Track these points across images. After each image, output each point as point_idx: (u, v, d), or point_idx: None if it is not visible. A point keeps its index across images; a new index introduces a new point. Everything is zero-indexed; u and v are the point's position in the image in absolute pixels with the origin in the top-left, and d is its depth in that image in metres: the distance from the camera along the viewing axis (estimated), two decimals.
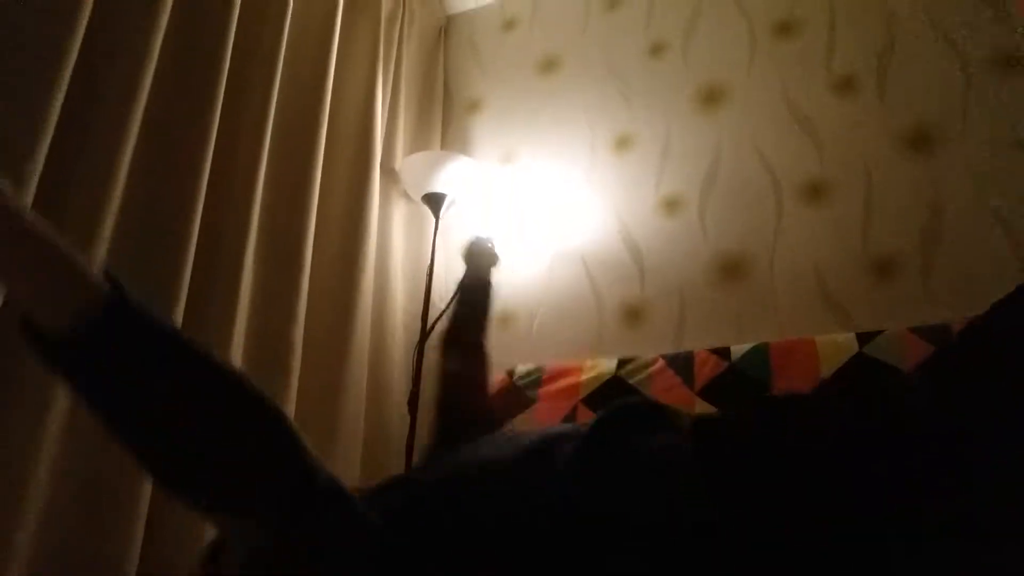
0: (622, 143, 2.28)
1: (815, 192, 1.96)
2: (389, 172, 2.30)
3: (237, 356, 1.60)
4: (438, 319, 2.16)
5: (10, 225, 0.60)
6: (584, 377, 1.80)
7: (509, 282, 2.25)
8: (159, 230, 1.48)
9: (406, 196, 2.36)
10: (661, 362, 1.75)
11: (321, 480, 0.70)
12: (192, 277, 1.51)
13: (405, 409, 2.05)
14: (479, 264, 1.54)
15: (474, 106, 2.58)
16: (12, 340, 1.19)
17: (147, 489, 1.33)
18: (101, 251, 1.36)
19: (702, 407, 1.63)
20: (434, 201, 2.23)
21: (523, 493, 0.78)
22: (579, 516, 0.75)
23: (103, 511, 1.28)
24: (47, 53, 1.28)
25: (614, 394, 1.72)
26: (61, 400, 1.26)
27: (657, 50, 2.34)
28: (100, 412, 0.64)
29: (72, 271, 0.63)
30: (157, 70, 1.52)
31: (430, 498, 0.80)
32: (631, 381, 1.73)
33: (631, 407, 0.88)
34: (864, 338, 1.59)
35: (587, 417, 1.55)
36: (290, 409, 1.68)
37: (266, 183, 1.77)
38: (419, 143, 2.50)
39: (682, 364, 1.72)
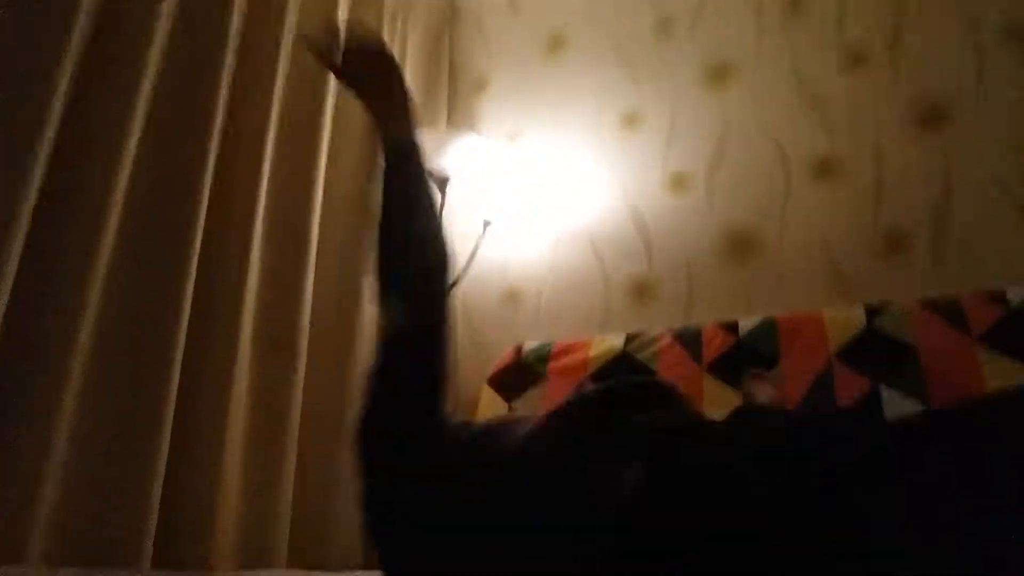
0: (629, 121, 2.27)
1: (824, 168, 1.95)
2: None
3: (245, 341, 1.61)
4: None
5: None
6: (592, 353, 1.80)
7: (516, 259, 2.26)
8: (166, 220, 1.48)
9: None
10: (669, 337, 1.76)
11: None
12: (199, 265, 1.51)
13: None
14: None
15: (480, 85, 2.57)
16: (18, 341, 1.21)
17: (159, 479, 1.34)
18: (109, 237, 1.35)
19: (710, 382, 1.64)
20: (440, 179, 2.22)
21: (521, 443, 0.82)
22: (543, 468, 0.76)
23: (116, 501, 1.29)
24: (49, 50, 1.27)
25: (622, 369, 1.72)
26: (72, 391, 1.27)
27: (664, 27, 2.32)
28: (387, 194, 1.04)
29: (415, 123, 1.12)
30: (161, 60, 1.51)
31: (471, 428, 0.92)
32: (639, 356, 1.74)
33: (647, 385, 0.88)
34: (872, 312, 1.59)
35: None
36: (298, 392, 1.68)
37: (272, 165, 1.76)
38: (425, 122, 2.49)
39: (690, 339, 1.73)
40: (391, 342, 0.94)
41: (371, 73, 1.11)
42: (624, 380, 0.87)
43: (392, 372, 0.92)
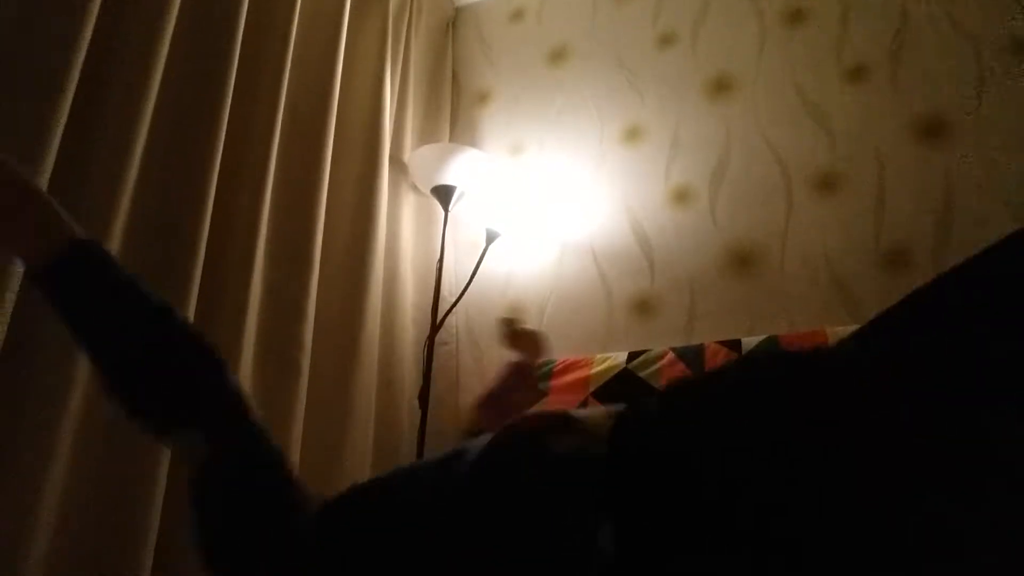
0: (631, 134, 2.26)
1: (826, 183, 1.95)
2: (398, 165, 2.30)
3: (248, 352, 1.61)
4: (448, 313, 2.16)
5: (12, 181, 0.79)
6: (594, 370, 1.80)
7: (519, 275, 2.25)
8: (170, 226, 1.49)
9: (415, 189, 2.36)
10: (671, 355, 1.75)
11: (251, 412, 0.83)
12: (203, 273, 1.51)
13: (416, 403, 2.06)
14: None
15: (483, 98, 2.58)
16: (22, 340, 1.22)
17: (162, 486, 1.34)
18: (113, 247, 1.36)
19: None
20: (443, 194, 2.22)
21: (424, 494, 0.76)
22: (469, 525, 0.71)
23: (118, 509, 1.29)
24: (56, 51, 1.28)
25: (624, 387, 1.72)
26: (76, 400, 1.27)
27: (666, 40, 2.32)
28: (70, 331, 0.81)
29: (55, 222, 0.82)
30: (167, 65, 1.51)
31: (352, 489, 0.84)
32: (641, 374, 1.73)
33: (538, 415, 0.79)
34: None
35: None
36: (301, 403, 1.68)
37: (276, 177, 1.77)
38: (428, 135, 2.49)
39: (692, 357, 1.72)
40: (202, 484, 0.80)
41: None
42: (519, 423, 0.78)
43: (220, 516, 0.79)
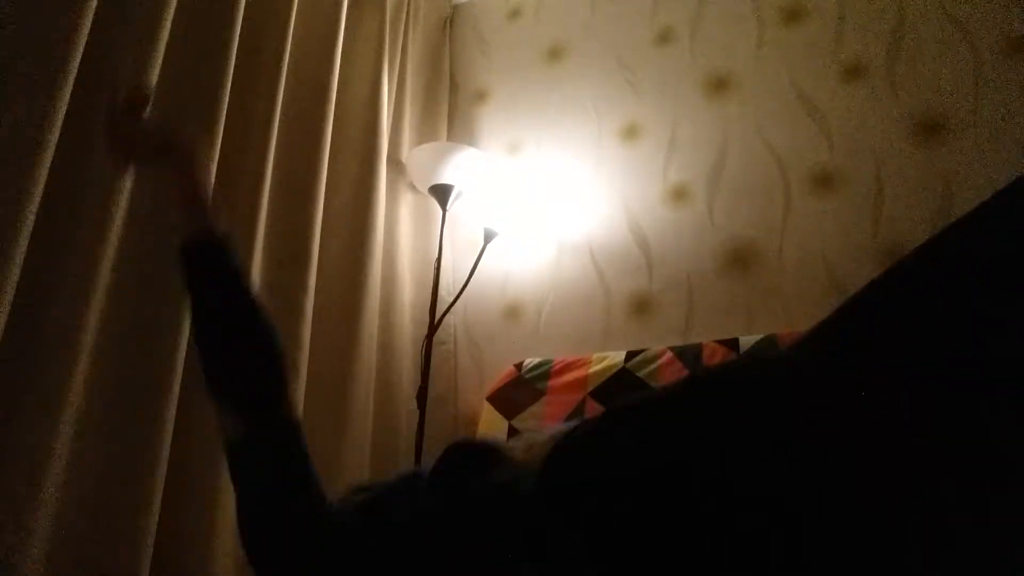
0: (629, 133, 2.26)
1: (824, 181, 1.95)
2: (396, 164, 2.30)
3: None
4: (446, 312, 2.16)
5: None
6: (592, 370, 1.80)
7: (517, 274, 2.25)
8: (168, 226, 1.48)
9: (413, 188, 2.36)
10: (669, 354, 1.75)
11: (292, 411, 0.94)
12: None
13: (414, 403, 2.05)
14: None
15: (480, 96, 2.57)
16: (24, 341, 1.22)
17: (161, 485, 1.34)
18: (109, 250, 1.36)
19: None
20: (441, 192, 2.22)
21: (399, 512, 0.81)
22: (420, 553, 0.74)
23: (117, 509, 1.29)
24: (52, 52, 1.27)
25: (622, 386, 1.72)
26: (76, 399, 1.27)
27: (664, 38, 2.32)
28: (192, 299, 0.95)
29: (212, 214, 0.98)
30: (164, 64, 1.51)
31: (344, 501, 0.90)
32: (639, 374, 1.73)
33: (463, 446, 0.82)
34: None
35: (596, 410, 1.56)
36: (299, 404, 1.68)
37: (273, 177, 1.77)
38: (425, 134, 2.49)
39: (691, 356, 1.72)
40: (234, 460, 0.91)
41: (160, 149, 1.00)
42: (444, 458, 0.82)
43: (250, 494, 0.88)
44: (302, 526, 0.84)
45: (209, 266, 0.96)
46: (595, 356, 1.84)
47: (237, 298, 0.95)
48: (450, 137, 2.55)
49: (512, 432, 1.77)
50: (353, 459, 1.80)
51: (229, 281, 0.96)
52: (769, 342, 1.67)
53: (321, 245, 1.88)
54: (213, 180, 1.55)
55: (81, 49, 1.31)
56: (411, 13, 2.46)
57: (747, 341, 1.70)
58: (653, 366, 1.73)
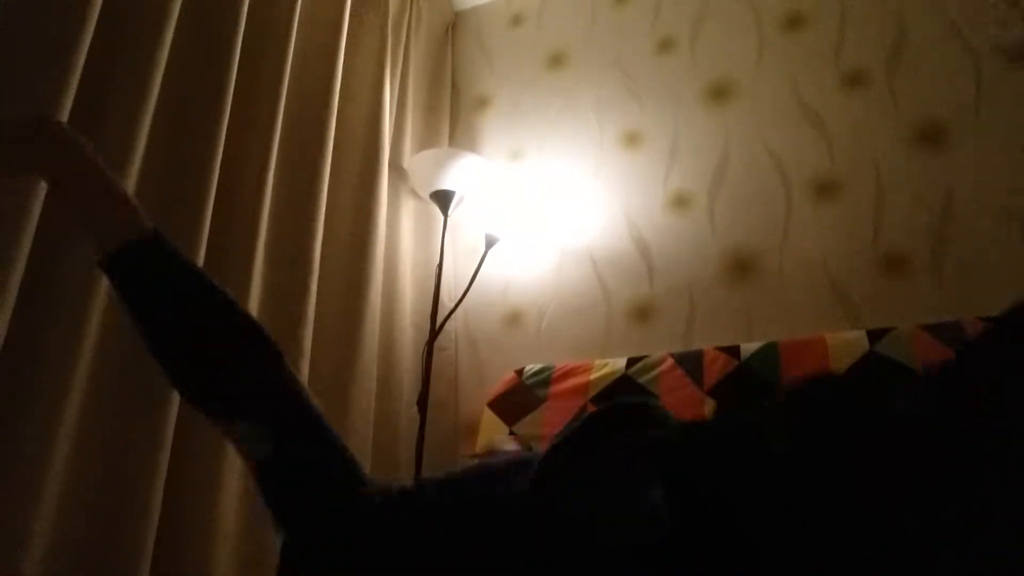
0: (630, 139, 2.27)
1: (825, 189, 1.95)
2: (397, 170, 2.30)
3: None
4: (447, 318, 2.16)
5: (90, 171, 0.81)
6: (593, 376, 1.79)
7: (518, 280, 2.25)
8: (169, 231, 1.48)
9: (414, 194, 2.36)
10: (670, 361, 1.75)
11: (313, 406, 0.85)
12: None
13: (415, 409, 2.05)
14: None
15: (482, 103, 2.58)
16: (23, 339, 1.22)
17: (161, 485, 1.34)
18: None
19: (711, 406, 1.63)
20: (442, 199, 2.23)
21: (496, 493, 0.77)
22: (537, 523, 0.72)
23: (117, 509, 1.29)
24: (57, 52, 1.28)
25: (623, 393, 1.72)
26: (76, 399, 1.27)
27: (665, 45, 2.33)
28: (135, 320, 0.80)
29: (132, 211, 0.83)
30: (166, 71, 1.52)
31: (421, 486, 0.84)
32: (640, 380, 1.73)
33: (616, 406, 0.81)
34: (875, 336, 1.59)
35: None
36: None
37: (275, 182, 1.77)
38: (427, 140, 2.49)
39: (691, 363, 1.72)
40: (267, 478, 0.81)
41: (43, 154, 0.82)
42: (614, 404, 0.80)
43: (289, 503, 0.80)
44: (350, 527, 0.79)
45: (158, 269, 0.81)
46: (596, 363, 1.84)
47: (210, 296, 0.82)
48: (452, 143, 2.55)
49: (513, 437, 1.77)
50: None
51: (191, 280, 0.82)
52: (770, 349, 1.67)
53: (323, 250, 1.88)
54: (214, 187, 1.56)
55: (84, 55, 1.32)
56: (413, 20, 2.47)
57: (748, 348, 1.70)
58: (654, 373, 1.73)
